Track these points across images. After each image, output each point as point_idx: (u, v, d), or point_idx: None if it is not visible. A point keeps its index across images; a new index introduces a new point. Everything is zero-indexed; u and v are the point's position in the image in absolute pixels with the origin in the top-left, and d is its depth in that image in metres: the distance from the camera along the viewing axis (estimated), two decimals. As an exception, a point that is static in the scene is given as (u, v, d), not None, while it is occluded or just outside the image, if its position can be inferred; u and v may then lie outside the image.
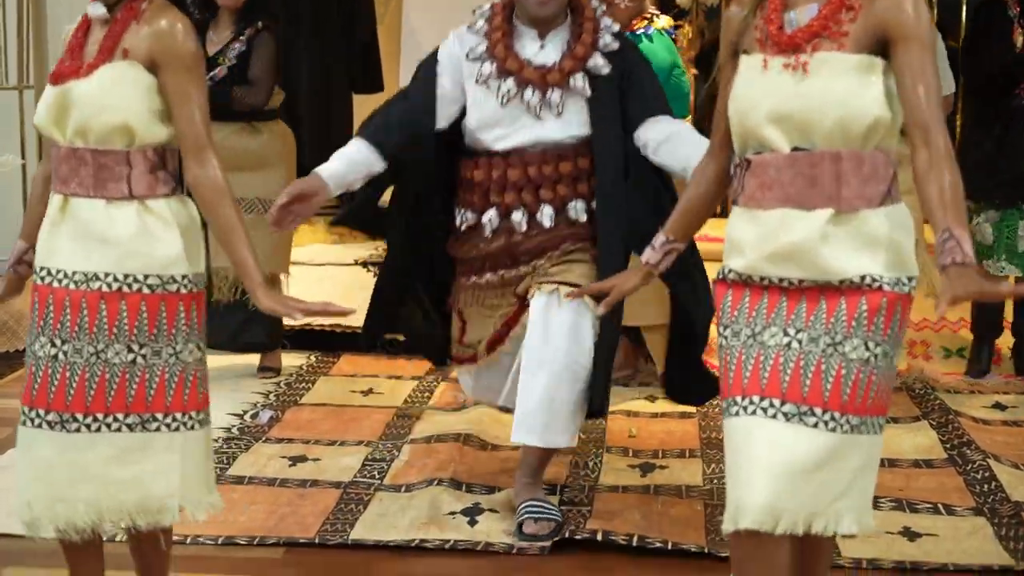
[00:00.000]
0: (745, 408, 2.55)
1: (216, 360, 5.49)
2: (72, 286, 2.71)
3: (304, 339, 6.09)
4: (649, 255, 2.98)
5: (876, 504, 3.99)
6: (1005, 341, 5.92)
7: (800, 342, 2.53)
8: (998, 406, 5.35)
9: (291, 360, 5.93)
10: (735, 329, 2.61)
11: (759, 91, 2.53)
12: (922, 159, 2.44)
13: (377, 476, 4.36)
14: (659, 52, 5.19)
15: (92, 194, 2.71)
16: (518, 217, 3.79)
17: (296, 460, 4.54)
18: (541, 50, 3.80)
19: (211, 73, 5.16)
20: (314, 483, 4.30)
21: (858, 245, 2.51)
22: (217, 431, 4.80)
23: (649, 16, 5.38)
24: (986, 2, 5.70)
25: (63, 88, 2.71)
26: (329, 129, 7.26)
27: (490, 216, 3.82)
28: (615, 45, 3.80)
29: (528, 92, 3.75)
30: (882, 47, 2.50)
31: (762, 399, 2.53)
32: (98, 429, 2.72)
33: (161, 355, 2.74)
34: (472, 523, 3.93)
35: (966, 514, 4.07)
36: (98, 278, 2.70)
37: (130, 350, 2.71)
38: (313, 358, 6.02)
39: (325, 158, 7.03)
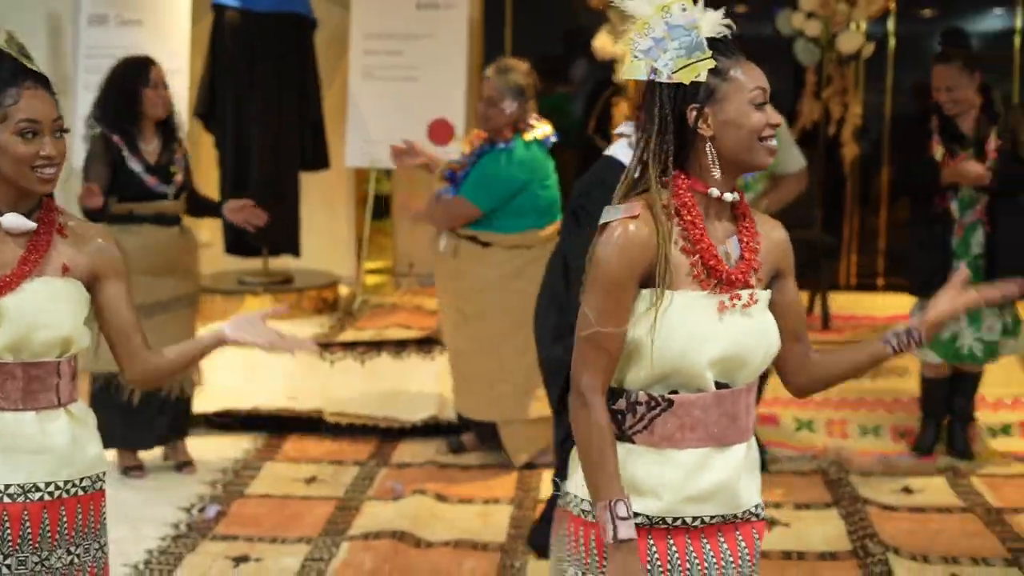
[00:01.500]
0: None
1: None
2: (7, 500, 2.73)
3: (253, 422, 6.34)
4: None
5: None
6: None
7: None
8: (906, 490, 5.66)
9: (240, 444, 6.18)
10: None
11: (708, 331, 2.45)
12: (809, 350, 2.66)
13: (315, 577, 4.64)
14: (513, 168, 5.54)
15: (21, 407, 2.74)
16: None
17: (239, 560, 4.80)
18: None
19: (173, 182, 5.55)
20: (255, 586, 4.58)
21: (751, 473, 2.57)
22: (166, 528, 5.09)
23: (522, 127, 5.67)
24: (917, 121, 6.09)
25: None
26: (278, 207, 7.52)
27: None
28: None
29: None
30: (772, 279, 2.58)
31: None
32: None
33: (90, 551, 2.85)
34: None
35: (862, 611, 4.39)
36: (37, 488, 2.75)
37: (68, 552, 2.81)
38: (260, 442, 6.26)
39: (272, 236, 7.36)
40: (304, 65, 7.65)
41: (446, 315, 5.95)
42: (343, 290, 8.03)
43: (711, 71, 2.44)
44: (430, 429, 6.21)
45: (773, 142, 2.47)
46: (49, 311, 2.73)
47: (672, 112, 2.45)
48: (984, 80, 5.87)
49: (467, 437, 6.09)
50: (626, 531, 2.37)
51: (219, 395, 6.28)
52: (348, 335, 6.99)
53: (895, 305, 7.32)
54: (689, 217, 2.46)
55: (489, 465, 5.93)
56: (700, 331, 2.43)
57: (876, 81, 8.74)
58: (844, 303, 7.96)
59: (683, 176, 2.48)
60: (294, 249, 7.76)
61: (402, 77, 7.68)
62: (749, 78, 2.46)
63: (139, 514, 5.17)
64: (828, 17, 7.88)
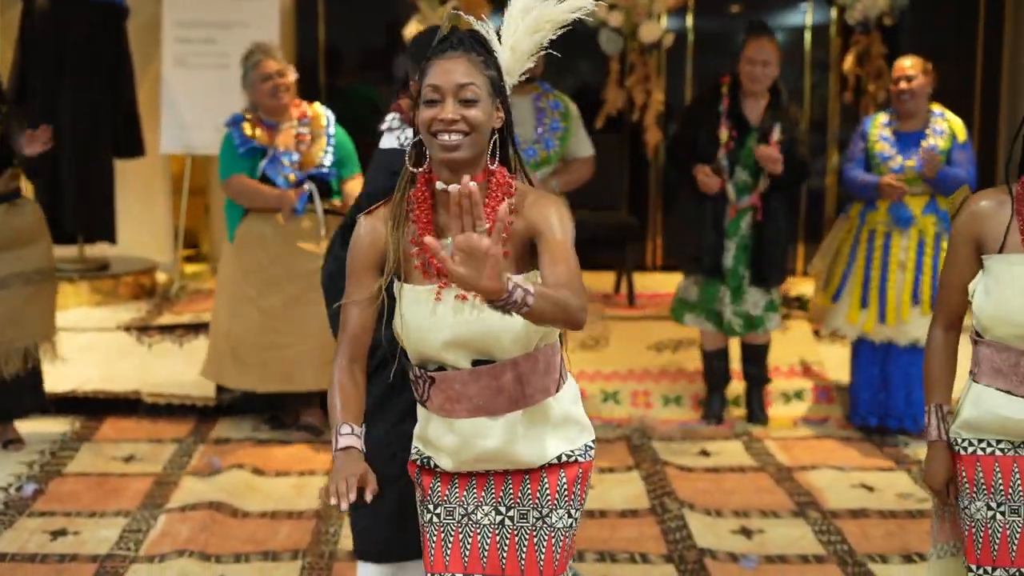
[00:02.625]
0: None
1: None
2: None
3: (68, 405, 6.37)
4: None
5: (581, 556, 4.60)
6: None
7: (512, 519, 2.72)
8: (704, 453, 5.99)
9: (56, 427, 6.21)
10: (448, 508, 2.74)
11: (431, 321, 2.61)
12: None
13: (133, 548, 4.73)
14: None
15: None
16: None
17: (57, 534, 4.87)
18: None
19: None
20: (73, 557, 4.65)
21: (547, 431, 2.71)
22: (-18, 506, 5.13)
23: None
24: (705, 91, 6.41)
25: None
26: (92, 194, 7.55)
27: None
28: None
29: None
30: (531, 248, 2.64)
31: None
32: None
33: None
34: (217, 594, 4.36)
35: (658, 562, 4.66)
36: None
37: None
38: (78, 424, 6.30)
39: (87, 223, 7.36)
40: (116, 53, 7.66)
41: (263, 292, 6.03)
42: (161, 277, 8.07)
43: (419, 71, 2.64)
44: (248, 406, 6.30)
45: (446, 137, 2.56)
46: None
47: (412, 108, 2.69)
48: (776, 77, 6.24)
49: (288, 417, 6.23)
50: (344, 442, 2.63)
51: (35, 379, 6.29)
52: (166, 319, 7.06)
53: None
54: (419, 211, 2.64)
55: (307, 439, 6.08)
56: (425, 323, 2.62)
57: (677, 73, 9.09)
58: (649, 282, 8.29)
59: (423, 170, 2.66)
60: (110, 236, 7.77)
61: (215, 65, 7.76)
62: (429, 75, 2.60)
63: (-46, 494, 5.21)
64: (630, 8, 8.21)
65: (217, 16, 7.80)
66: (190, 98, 7.71)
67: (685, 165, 6.25)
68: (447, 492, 2.74)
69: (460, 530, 2.72)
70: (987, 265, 2.91)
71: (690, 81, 9.14)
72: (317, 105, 6.11)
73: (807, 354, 7.02)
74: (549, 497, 2.73)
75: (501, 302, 2.30)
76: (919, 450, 6.02)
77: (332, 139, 6.00)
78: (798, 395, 6.72)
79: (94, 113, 7.56)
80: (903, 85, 6.08)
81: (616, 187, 8.69)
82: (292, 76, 5.95)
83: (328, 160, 5.94)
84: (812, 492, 5.42)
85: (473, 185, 2.30)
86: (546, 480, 2.73)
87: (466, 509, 2.73)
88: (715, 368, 6.48)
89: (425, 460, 2.78)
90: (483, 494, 2.73)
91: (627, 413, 6.51)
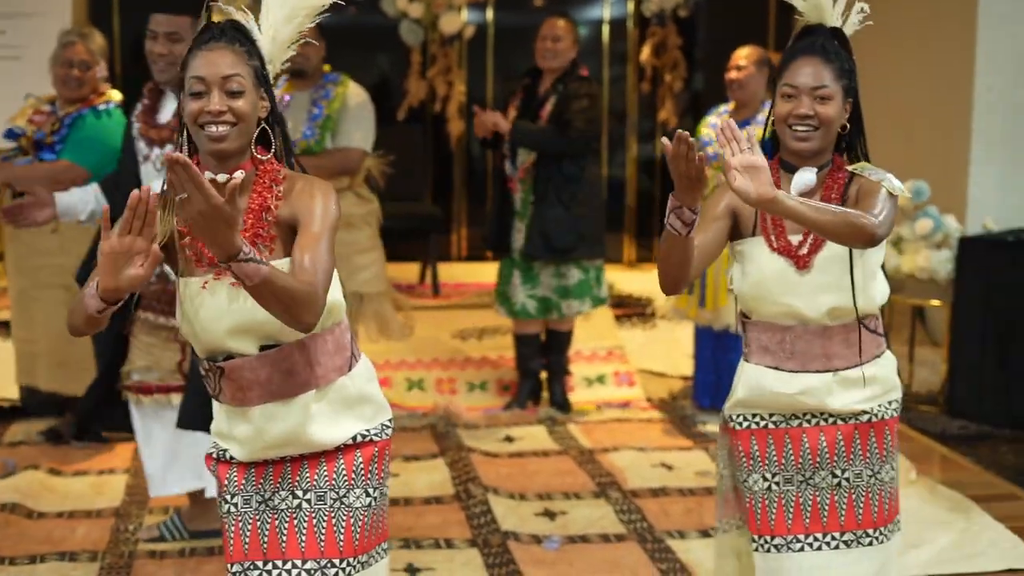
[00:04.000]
0: (268, 573, 2.69)
1: None
2: None
3: None
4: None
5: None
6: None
7: (309, 502, 2.72)
8: (508, 439, 6.07)
9: None
10: (245, 497, 2.72)
11: (211, 311, 2.61)
12: None
13: (-78, 554, 4.58)
14: (117, 129, 5.49)
15: None
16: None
17: None
18: (167, 110, 4.41)
19: None
20: None
21: (341, 410, 2.72)
22: None
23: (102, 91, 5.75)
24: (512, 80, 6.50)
25: None
26: None
27: None
28: None
29: (153, 150, 4.37)
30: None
31: (270, 562, 2.70)
32: None
33: None
34: (11, 596, 4.25)
35: (463, 546, 4.70)
36: None
37: None
38: None
39: None
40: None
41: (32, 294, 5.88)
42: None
43: (182, 64, 2.62)
44: (40, 408, 6.14)
45: (213, 129, 2.55)
46: None
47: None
48: (576, 60, 6.35)
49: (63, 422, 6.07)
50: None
51: None
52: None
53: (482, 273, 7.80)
54: None
55: (108, 438, 5.96)
56: (202, 312, 2.61)
57: (478, 65, 9.17)
58: (455, 272, 8.35)
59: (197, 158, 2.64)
60: None
61: (6, 56, 7.55)
62: (192, 67, 2.58)
63: None
64: (430, 0, 8.25)
65: (7, 7, 7.58)
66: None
67: (494, 149, 6.36)
68: (243, 481, 2.73)
69: (258, 517, 2.71)
70: (741, 250, 3.01)
71: (491, 73, 9.23)
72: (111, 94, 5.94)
73: (608, 339, 7.15)
74: (345, 477, 2.74)
75: (234, 263, 2.32)
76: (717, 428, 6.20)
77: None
78: (600, 379, 6.84)
79: None
80: (732, 74, 6.25)
81: (419, 178, 8.72)
82: (94, 71, 5.75)
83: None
84: (613, 473, 5.53)
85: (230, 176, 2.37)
86: (342, 460, 2.74)
87: (263, 496, 2.72)
88: (526, 354, 6.56)
89: (221, 453, 2.77)
90: (280, 480, 2.72)
91: (432, 401, 6.55)
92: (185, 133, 2.64)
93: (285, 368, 2.65)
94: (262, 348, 2.64)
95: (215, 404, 2.77)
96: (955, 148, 6.70)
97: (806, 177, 2.95)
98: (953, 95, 6.77)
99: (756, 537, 3.05)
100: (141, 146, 4.42)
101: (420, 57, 8.57)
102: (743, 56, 6.24)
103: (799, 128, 2.91)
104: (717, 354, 6.37)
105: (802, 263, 2.94)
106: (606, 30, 9.41)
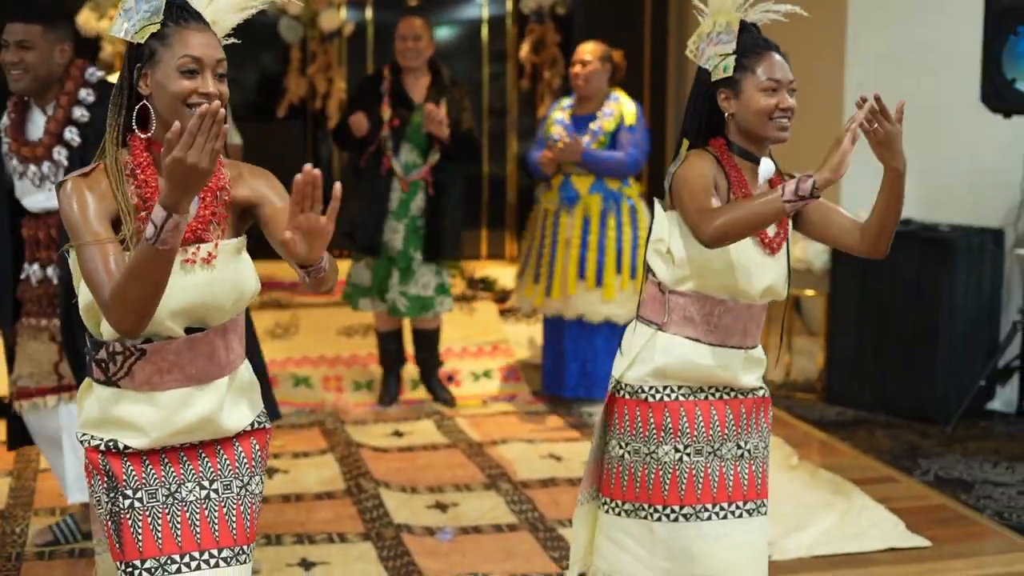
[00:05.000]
0: (188, 565, 2.65)
1: None
2: None
3: None
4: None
5: (279, 539, 4.61)
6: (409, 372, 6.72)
7: (217, 491, 2.69)
8: (397, 433, 6.09)
9: None
10: (150, 491, 2.66)
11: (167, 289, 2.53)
12: None
13: None
14: None
15: None
16: (50, 272, 4.34)
17: None
18: (36, 126, 4.34)
19: None
20: None
21: (240, 397, 2.72)
22: None
23: None
24: (364, 79, 6.50)
25: None
26: None
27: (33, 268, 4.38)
28: (87, 117, 4.26)
29: (28, 167, 4.32)
30: (246, 216, 2.68)
31: (187, 554, 2.66)
32: None
33: None
34: None
35: (356, 540, 4.71)
36: None
37: None
38: None
39: None
40: None
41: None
42: None
43: (154, 35, 2.54)
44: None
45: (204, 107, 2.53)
46: None
47: (127, 71, 2.58)
48: (434, 57, 6.41)
49: None
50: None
51: None
52: None
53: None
54: (143, 177, 2.57)
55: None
56: None
57: (358, 62, 9.16)
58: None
59: (139, 137, 2.59)
60: None
61: None
62: (183, 45, 2.54)
63: None
64: (308, -3, 8.25)
65: None
66: None
67: (349, 147, 6.38)
68: (143, 474, 2.66)
69: (167, 511, 2.65)
70: None
71: (371, 71, 9.23)
72: None
73: (494, 334, 7.20)
74: (247, 465, 2.74)
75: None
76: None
77: None
78: (486, 374, 6.89)
79: None
80: (577, 69, 6.36)
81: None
82: None
83: None
84: (503, 465, 5.58)
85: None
86: (240, 448, 2.74)
87: (169, 489, 2.66)
88: (389, 350, 6.58)
89: (109, 444, 2.65)
90: (181, 470, 2.67)
91: (319, 398, 6.54)
92: (128, 103, 2.59)
93: (208, 352, 2.64)
94: (187, 331, 2.62)
95: (97, 392, 2.65)
96: (828, 141, 6.87)
97: (769, 165, 3.08)
98: (825, 90, 6.96)
99: (661, 507, 3.12)
100: (15, 164, 4.35)
101: (300, 54, 8.54)
102: (587, 51, 6.38)
103: (783, 120, 3.04)
104: (562, 343, 6.48)
105: (774, 246, 3.11)
106: (484, 29, 9.47)
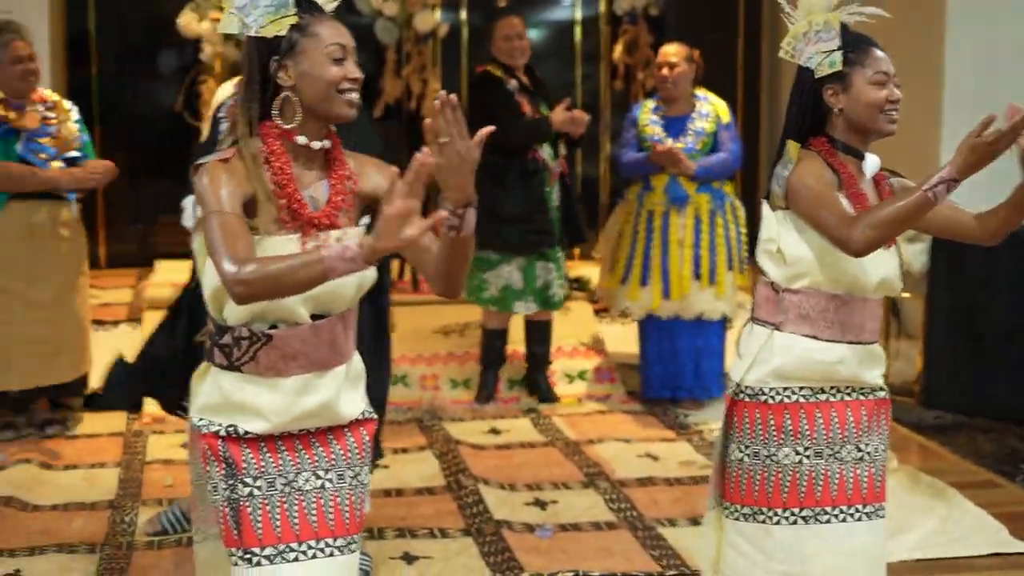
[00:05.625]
0: (304, 553, 2.70)
1: None
2: None
3: None
4: None
5: (381, 533, 4.67)
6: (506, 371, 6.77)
7: (331, 481, 2.74)
8: (494, 431, 6.13)
9: None
10: (268, 479, 2.70)
11: None
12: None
13: (-80, 547, 4.60)
14: None
15: None
16: None
17: None
18: None
19: None
20: None
21: (352, 386, 2.76)
22: None
23: None
24: (481, 80, 6.54)
25: None
26: None
27: None
28: None
29: None
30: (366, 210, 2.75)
31: (304, 543, 2.70)
32: None
33: None
34: (13, 586, 4.28)
35: (457, 535, 4.76)
36: None
37: None
38: None
39: None
40: None
41: (31, 284, 5.87)
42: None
43: (293, 27, 2.62)
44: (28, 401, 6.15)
45: (353, 95, 2.65)
46: None
47: (258, 65, 2.64)
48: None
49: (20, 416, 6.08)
50: (352, 250, 2.40)
51: None
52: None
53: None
54: (278, 164, 2.63)
55: (95, 433, 5.99)
56: None
57: (452, 64, 9.23)
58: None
59: (271, 125, 2.65)
60: None
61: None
62: (329, 33, 2.63)
63: None
64: (404, -2, 8.33)
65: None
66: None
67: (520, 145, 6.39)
68: (262, 462, 2.69)
69: (284, 500, 2.69)
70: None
71: (465, 72, 9.29)
72: (49, 91, 5.99)
73: (588, 334, 7.22)
74: (357, 455, 2.79)
75: (464, 211, 2.44)
76: (699, 420, 6.31)
77: (80, 123, 5.90)
78: (581, 375, 6.92)
79: None
80: (665, 72, 6.38)
81: (395, 176, 8.77)
82: (39, 62, 5.83)
83: (79, 143, 5.83)
84: (600, 463, 5.60)
85: (453, 96, 2.40)
86: (351, 438, 2.78)
87: (287, 478, 2.70)
88: (495, 347, 6.63)
89: (229, 430, 2.69)
90: (297, 458, 2.71)
91: (417, 396, 6.60)
92: (263, 94, 2.65)
93: (329, 339, 2.68)
94: (313, 317, 2.67)
95: (217, 377, 2.69)
96: (926, 140, 6.83)
97: (875, 160, 3.10)
98: (922, 86, 6.91)
99: (780, 510, 3.12)
100: None
101: (395, 55, 8.63)
102: (672, 53, 6.40)
103: (892, 112, 3.06)
104: (676, 344, 6.49)
105: None
106: (577, 30, 9.50)
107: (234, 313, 2.63)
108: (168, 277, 7.30)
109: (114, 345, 6.48)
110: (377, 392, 4.09)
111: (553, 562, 4.51)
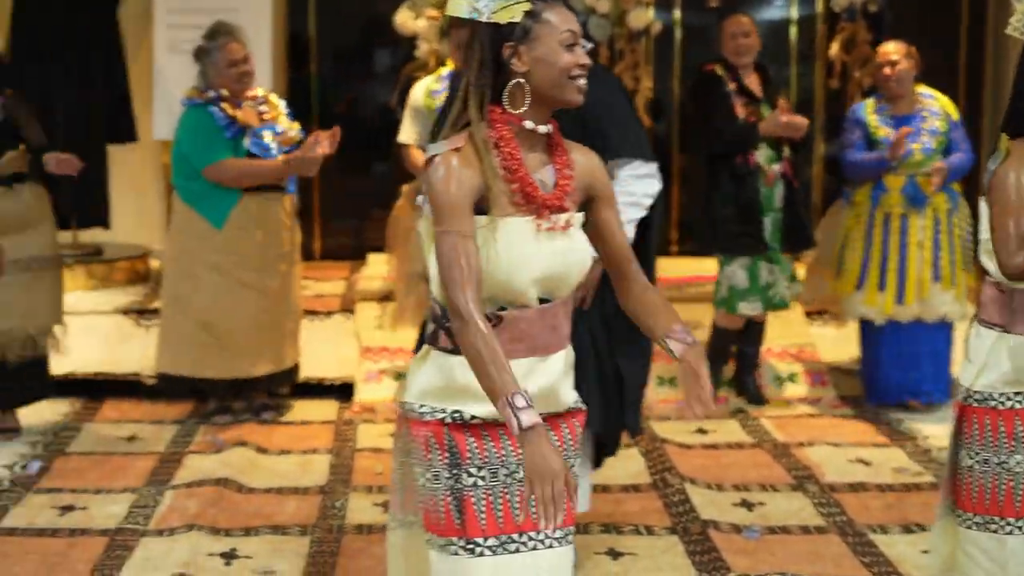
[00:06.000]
0: (526, 544, 2.68)
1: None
2: None
3: (69, 387, 6.39)
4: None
5: (587, 528, 4.66)
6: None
7: None
8: (701, 431, 6.07)
9: (56, 408, 6.23)
10: (492, 469, 2.70)
11: (531, 253, 2.63)
12: (631, 276, 2.81)
13: (142, 522, 4.77)
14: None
15: None
16: None
17: (65, 509, 4.91)
18: None
19: None
20: (83, 532, 4.68)
21: (567, 374, 2.78)
22: (-11, 483, 5.18)
23: None
24: (702, 79, 6.47)
25: None
26: (86, 180, 7.55)
27: None
28: None
29: None
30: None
31: (525, 534, 2.70)
32: None
33: None
34: (227, 564, 4.39)
35: (663, 533, 4.72)
36: None
37: None
38: (78, 405, 6.33)
39: (81, 209, 7.39)
40: (109, 39, 7.69)
41: (263, 275, 6.06)
42: (154, 263, 8.08)
43: (526, 13, 2.63)
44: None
45: (583, 81, 2.66)
46: None
47: (490, 50, 2.65)
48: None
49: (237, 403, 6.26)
50: (528, 418, 2.49)
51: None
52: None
53: (690, 268, 7.78)
54: (508, 148, 2.64)
55: (308, 420, 6.14)
56: (523, 253, 2.61)
57: (665, 64, 9.17)
58: (666, 267, 8.33)
59: (500, 110, 2.67)
60: (103, 221, 7.80)
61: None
62: (561, 20, 2.64)
63: (-42, 472, 5.25)
64: (617, -5, 8.30)
65: (209, 3, 7.81)
66: (182, 84, 7.68)
67: (738, 147, 6.31)
68: (485, 451, 2.68)
69: (507, 490, 2.70)
70: None
71: (678, 73, 9.22)
72: (260, 87, 6.15)
73: (798, 336, 7.09)
74: (572, 444, 2.79)
75: None
76: (913, 426, 6.13)
77: (292, 117, 6.05)
78: (791, 377, 6.79)
79: (87, 99, 7.59)
80: (887, 71, 6.23)
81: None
82: (254, 61, 5.98)
83: (299, 136, 5.97)
84: (809, 467, 5.49)
85: None
86: (566, 428, 2.78)
87: (509, 468, 2.70)
88: (724, 348, 6.57)
89: (455, 416, 2.69)
90: (520, 449, 2.67)
91: (624, 393, 6.56)
92: (494, 80, 2.67)
93: (552, 324, 2.70)
94: (540, 302, 2.69)
95: (441, 361, 2.69)
96: None
97: None
98: None
99: (1014, 520, 3.00)
100: None
101: (608, 52, 8.60)
102: (894, 51, 6.27)
103: None
104: (914, 348, 6.30)
105: None
106: (793, 29, 9.34)
107: (475, 292, 2.61)
108: (379, 270, 7.42)
109: (329, 334, 6.67)
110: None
111: (760, 564, 4.44)
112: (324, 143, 5.67)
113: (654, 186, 4.14)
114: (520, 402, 2.48)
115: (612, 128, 4.01)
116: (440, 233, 2.58)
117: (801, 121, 6.23)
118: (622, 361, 4.24)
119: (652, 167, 4.15)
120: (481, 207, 2.60)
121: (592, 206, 2.77)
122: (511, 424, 2.48)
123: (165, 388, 6.19)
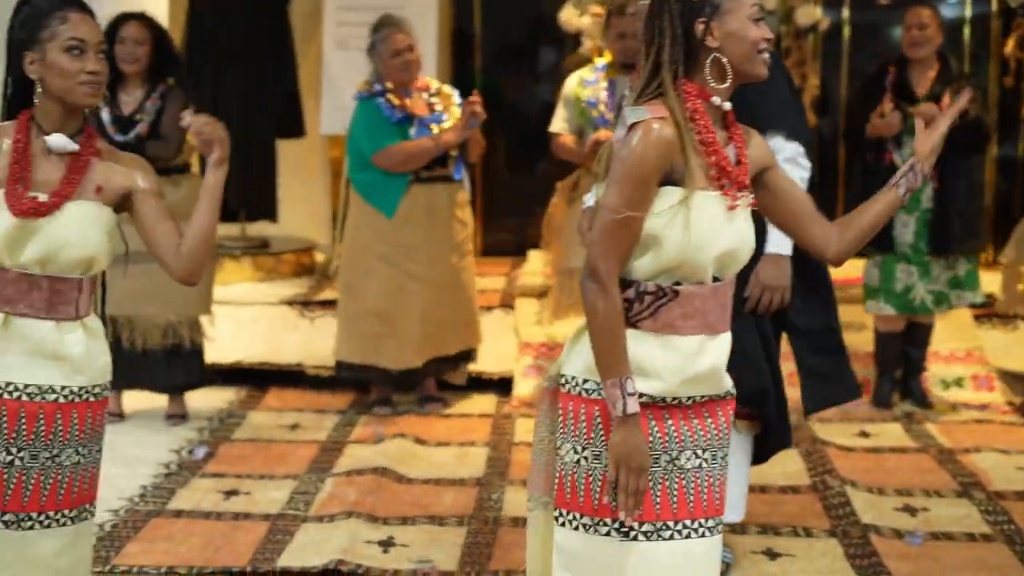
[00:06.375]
0: (679, 532, 2.70)
1: (149, 400, 5.99)
2: (25, 398, 2.88)
3: (234, 376, 6.56)
4: None
5: (744, 529, 4.60)
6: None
7: (707, 461, 2.73)
8: (863, 434, 5.95)
9: (222, 396, 6.40)
10: (653, 455, 2.65)
11: (720, 229, 2.63)
12: (826, 222, 2.87)
13: (303, 508, 4.86)
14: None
15: (43, 316, 2.88)
16: None
17: (229, 494, 5.03)
18: None
19: (135, 131, 5.64)
20: (246, 515, 4.79)
21: (726, 357, 2.76)
22: (157, 467, 5.33)
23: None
24: (868, 75, 6.36)
25: (25, 222, 2.84)
26: (255, 174, 7.74)
27: None
28: None
29: None
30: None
31: (680, 522, 2.70)
32: (48, 525, 2.91)
33: (92, 452, 3.00)
34: (385, 552, 4.44)
35: (821, 536, 4.64)
36: (53, 391, 2.90)
37: (77, 452, 2.94)
38: (243, 393, 6.49)
39: (249, 202, 7.55)
40: (279, 36, 7.86)
41: (430, 266, 6.14)
42: (319, 256, 8.24)
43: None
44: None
45: (767, 56, 2.68)
46: (80, 232, 2.87)
47: (681, 25, 2.65)
48: (941, 48, 6.21)
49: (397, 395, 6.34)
50: (633, 406, 2.57)
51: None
52: (327, 295, 7.21)
53: (854, 268, 7.61)
54: (702, 122, 2.65)
55: (466, 413, 6.19)
56: (713, 229, 2.62)
57: (833, 63, 9.02)
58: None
59: (692, 85, 2.67)
60: (271, 214, 7.97)
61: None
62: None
63: (131, 455, 5.40)
64: (785, -8, 8.20)
65: (376, 0, 7.93)
66: (350, 80, 7.82)
67: (865, 145, 6.23)
68: (649, 434, 2.65)
69: (666, 477, 2.68)
70: None
71: (846, 72, 9.06)
72: (433, 79, 6.21)
73: (967, 340, 6.90)
74: (725, 433, 2.78)
75: None
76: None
77: (461, 107, 6.08)
78: (958, 382, 6.61)
79: (257, 94, 7.76)
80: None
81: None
82: (420, 51, 6.04)
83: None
84: (976, 473, 5.34)
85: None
86: (721, 414, 2.76)
87: (670, 455, 2.68)
88: (890, 350, 6.42)
89: None
90: (681, 434, 2.68)
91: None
92: (686, 55, 2.68)
93: (723, 303, 2.71)
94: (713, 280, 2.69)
95: (627, 332, 2.64)
96: None
97: None
98: None
99: None
100: None
101: (774, 49, 8.51)
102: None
103: None
104: None
105: None
106: (967, 28, 9.11)
107: (642, 267, 2.64)
108: (539, 267, 7.45)
109: (489, 329, 6.70)
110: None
111: (922, 570, 4.34)
112: (475, 108, 5.83)
113: (796, 172, 3.97)
114: (631, 387, 2.57)
115: (767, 104, 3.93)
116: (615, 194, 2.60)
117: (889, 123, 6.02)
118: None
119: (798, 149, 4.04)
120: (672, 179, 2.61)
121: (761, 178, 2.78)
122: (616, 405, 2.57)
123: (341, 376, 6.29)
